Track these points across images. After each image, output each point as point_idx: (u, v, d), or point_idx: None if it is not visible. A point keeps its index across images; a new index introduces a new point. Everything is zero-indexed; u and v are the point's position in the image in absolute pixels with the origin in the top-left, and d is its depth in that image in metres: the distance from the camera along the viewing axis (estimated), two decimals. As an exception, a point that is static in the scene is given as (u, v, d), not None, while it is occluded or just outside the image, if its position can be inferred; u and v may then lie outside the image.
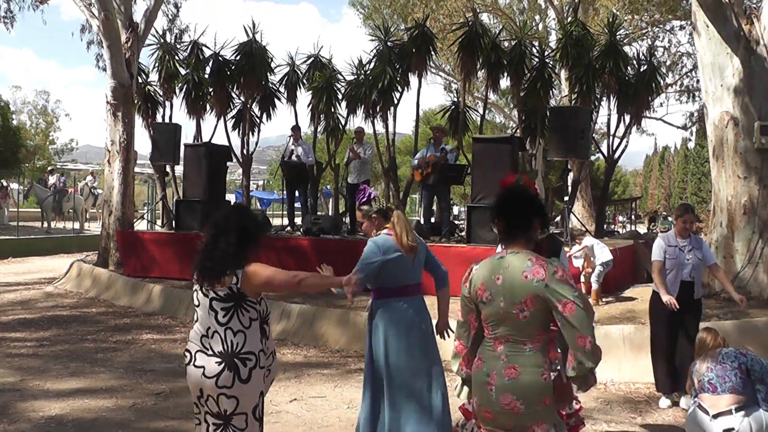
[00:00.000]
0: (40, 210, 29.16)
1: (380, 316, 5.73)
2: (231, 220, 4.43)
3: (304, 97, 19.11)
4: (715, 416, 5.79)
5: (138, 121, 18.01)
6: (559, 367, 4.33)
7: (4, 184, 30.09)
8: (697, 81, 31.02)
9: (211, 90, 18.10)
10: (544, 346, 3.98)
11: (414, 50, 16.34)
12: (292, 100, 18.57)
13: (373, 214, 5.98)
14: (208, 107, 18.55)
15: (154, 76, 18.73)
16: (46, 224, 28.56)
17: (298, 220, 17.21)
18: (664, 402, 7.88)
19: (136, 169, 21.63)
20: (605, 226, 19.74)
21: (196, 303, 4.43)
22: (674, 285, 7.72)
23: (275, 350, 4.81)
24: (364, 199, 6.06)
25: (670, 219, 40.05)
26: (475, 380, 4.11)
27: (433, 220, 15.37)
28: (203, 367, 4.32)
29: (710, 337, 6.22)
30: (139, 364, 9.49)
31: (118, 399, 7.83)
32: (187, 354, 4.44)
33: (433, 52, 17.22)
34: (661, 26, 31.35)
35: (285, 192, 17.01)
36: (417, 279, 5.89)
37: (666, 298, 7.57)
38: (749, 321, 9.76)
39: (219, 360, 4.28)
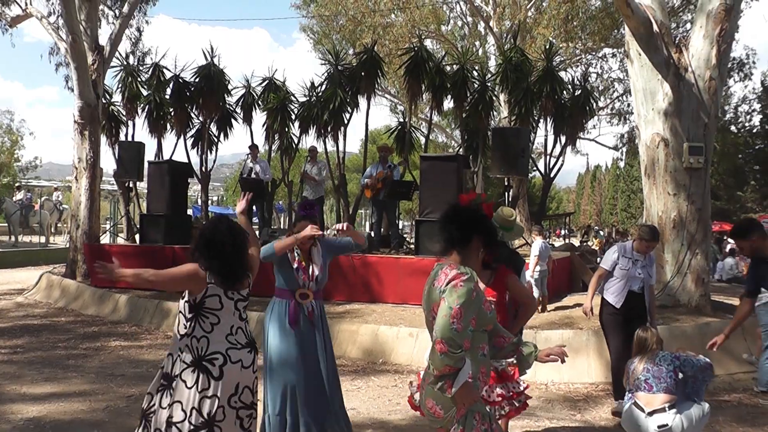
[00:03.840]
0: (6, 224, 28.73)
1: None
2: (239, 232, 4.65)
3: (259, 117, 19.21)
4: (651, 413, 6.00)
5: (102, 139, 17.92)
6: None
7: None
8: (628, 105, 31.85)
9: (171, 110, 18.10)
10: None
11: (363, 73, 16.52)
12: (248, 120, 18.68)
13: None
14: (168, 126, 18.53)
15: (117, 97, 18.63)
16: (13, 238, 28.14)
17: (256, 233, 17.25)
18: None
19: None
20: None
21: (218, 307, 4.56)
22: (622, 294, 7.63)
23: None
24: (313, 212, 6.15)
25: (601, 233, 40.78)
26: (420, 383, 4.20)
27: (381, 233, 15.52)
28: (240, 360, 4.55)
29: (650, 335, 6.44)
30: (109, 369, 9.48)
31: (91, 402, 7.83)
32: (218, 356, 4.50)
33: (380, 76, 17.42)
34: (594, 53, 32.02)
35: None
36: None
37: (586, 305, 7.69)
38: (679, 326, 10.08)
39: (249, 349, 4.61)
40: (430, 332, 4.02)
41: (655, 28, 11.60)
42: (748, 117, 37.37)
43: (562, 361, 4.33)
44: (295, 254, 5.92)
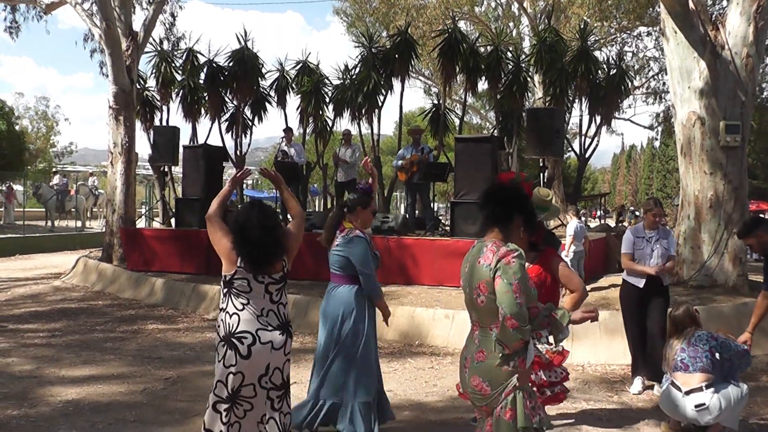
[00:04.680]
0: (44, 209, 29.09)
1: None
2: (271, 217, 4.73)
3: (293, 100, 19.23)
4: (688, 393, 5.98)
5: (137, 124, 18.01)
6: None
7: (10, 185, 29.99)
8: (663, 83, 31.41)
9: (205, 95, 18.19)
10: None
11: (397, 56, 16.50)
12: (282, 103, 18.70)
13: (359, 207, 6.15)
14: (203, 111, 18.64)
15: (151, 82, 18.83)
16: (49, 223, 28.48)
17: (290, 217, 17.29)
18: (637, 384, 7.90)
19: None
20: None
21: (247, 290, 4.67)
22: (642, 274, 7.82)
23: None
24: (364, 190, 6.16)
25: (637, 213, 40.38)
26: (459, 365, 4.18)
27: (417, 215, 15.45)
28: (270, 342, 4.63)
29: (681, 313, 6.42)
30: (147, 352, 9.56)
31: (129, 384, 7.90)
32: (248, 336, 4.60)
33: (414, 58, 17.35)
34: (629, 32, 31.60)
35: (278, 190, 17.06)
36: None
37: (650, 270, 7.66)
38: (716, 306, 9.96)
39: (280, 332, 4.69)
40: (470, 311, 4.06)
41: (691, 5, 11.45)
42: (786, 94, 36.64)
43: (595, 319, 4.32)
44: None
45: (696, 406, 5.92)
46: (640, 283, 7.79)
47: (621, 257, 8.15)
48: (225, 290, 4.73)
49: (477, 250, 4.05)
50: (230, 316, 4.63)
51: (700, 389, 5.96)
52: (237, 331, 4.59)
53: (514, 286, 3.76)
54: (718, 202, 11.35)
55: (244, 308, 4.64)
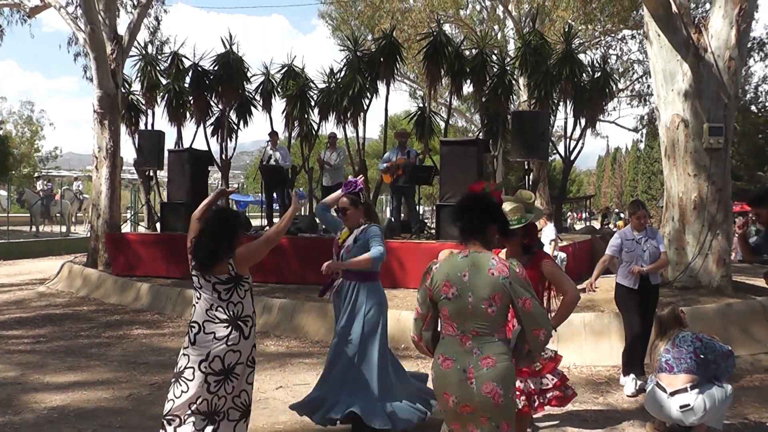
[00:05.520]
0: (28, 215, 28.93)
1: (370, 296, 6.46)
2: (225, 223, 5.18)
3: (278, 104, 19.21)
4: (672, 394, 6.02)
5: (122, 128, 17.94)
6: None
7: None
8: (648, 86, 31.58)
9: (190, 98, 18.14)
10: (506, 335, 4.11)
11: (382, 59, 16.52)
12: (267, 107, 18.70)
13: (360, 204, 6.21)
14: (188, 115, 18.58)
15: (136, 86, 18.75)
16: (34, 228, 28.32)
17: (276, 220, 17.29)
18: (630, 385, 7.88)
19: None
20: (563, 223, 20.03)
21: (199, 286, 5.16)
22: (635, 275, 7.94)
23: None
24: (355, 190, 6.22)
25: (622, 215, 40.60)
26: (447, 380, 4.05)
27: (402, 218, 15.45)
28: (213, 332, 5.02)
29: (665, 315, 6.49)
30: (132, 358, 9.52)
31: (114, 390, 7.87)
32: (195, 325, 5.08)
33: (399, 61, 17.37)
34: (614, 35, 31.79)
35: (264, 194, 17.09)
36: None
37: (590, 284, 7.91)
38: (700, 308, 9.99)
39: (226, 325, 5.04)
40: (464, 320, 4.04)
41: (674, 8, 11.57)
42: (768, 97, 36.95)
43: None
44: (337, 234, 6.43)
45: (681, 407, 5.96)
46: (635, 285, 7.95)
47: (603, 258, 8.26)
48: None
49: (484, 259, 4.08)
50: (193, 307, 5.20)
51: (684, 390, 6.00)
52: (192, 320, 5.12)
53: (537, 300, 4.05)
54: (702, 204, 11.43)
55: (198, 301, 5.16)
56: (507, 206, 5.21)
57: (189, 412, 5.03)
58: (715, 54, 11.42)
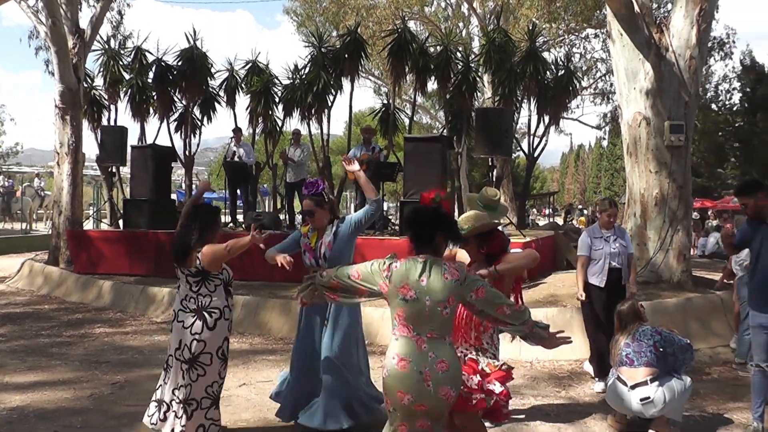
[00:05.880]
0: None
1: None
2: (195, 219, 5.69)
3: (242, 100, 19.11)
4: (633, 387, 6.09)
5: (84, 124, 17.74)
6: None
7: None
8: (611, 84, 31.86)
9: (154, 94, 17.98)
10: (453, 338, 4.42)
11: (346, 56, 16.47)
12: (231, 103, 18.56)
13: (325, 204, 6.18)
14: (151, 110, 18.40)
15: (99, 81, 18.54)
16: (-6, 225, 27.95)
17: (239, 217, 17.24)
18: (600, 384, 7.88)
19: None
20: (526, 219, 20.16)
21: (178, 277, 5.72)
22: (603, 273, 7.93)
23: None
24: (318, 191, 6.15)
25: (585, 211, 41.00)
26: (404, 380, 4.15)
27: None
28: (183, 321, 5.53)
29: (625, 310, 6.60)
30: (94, 357, 9.42)
31: (76, 390, 7.79)
32: (173, 314, 5.69)
33: (364, 58, 17.35)
34: (577, 34, 31.96)
35: (227, 191, 16.99)
36: None
37: (580, 294, 7.96)
38: (661, 302, 10.15)
39: (193, 314, 5.52)
40: (421, 323, 4.19)
41: (636, 8, 11.70)
42: (728, 95, 37.64)
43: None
44: (305, 239, 6.23)
45: (641, 400, 6.04)
46: (602, 282, 7.93)
47: (578, 261, 8.22)
48: None
49: (438, 265, 4.26)
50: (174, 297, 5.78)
51: (645, 383, 6.07)
52: (177, 308, 5.67)
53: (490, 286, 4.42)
54: (663, 200, 11.56)
55: (178, 291, 5.73)
56: (465, 215, 5.30)
57: (173, 398, 5.51)
58: (676, 53, 11.55)
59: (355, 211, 15.88)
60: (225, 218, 16.48)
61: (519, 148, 21.31)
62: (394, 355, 4.21)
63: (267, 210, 27.99)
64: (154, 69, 17.78)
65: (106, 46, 18.37)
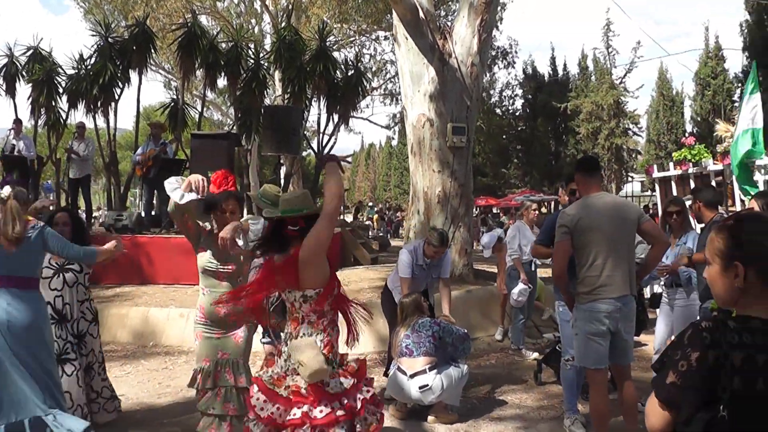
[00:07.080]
0: None
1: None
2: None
3: (23, 89, 18.00)
4: (412, 376, 6.36)
5: None
6: None
7: None
8: (399, 86, 32.78)
9: None
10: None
11: (135, 47, 15.96)
12: (11, 92, 17.42)
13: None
14: None
15: None
16: None
17: None
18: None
19: None
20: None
21: None
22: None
23: None
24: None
25: (375, 209, 41.99)
26: None
27: (153, 213, 15.03)
28: None
29: (407, 303, 6.92)
30: None
31: None
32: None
33: (153, 50, 16.92)
34: (368, 35, 32.68)
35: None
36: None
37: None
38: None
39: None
40: None
41: (422, 14, 12.09)
42: (511, 101, 40.49)
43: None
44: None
45: (420, 388, 6.31)
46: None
47: (401, 282, 7.61)
48: None
49: None
50: None
51: (423, 371, 6.36)
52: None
53: None
54: (446, 198, 12.06)
55: None
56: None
57: None
58: (459, 59, 12.07)
59: (143, 208, 15.46)
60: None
61: (309, 147, 21.50)
62: None
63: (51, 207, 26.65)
64: None
65: None
